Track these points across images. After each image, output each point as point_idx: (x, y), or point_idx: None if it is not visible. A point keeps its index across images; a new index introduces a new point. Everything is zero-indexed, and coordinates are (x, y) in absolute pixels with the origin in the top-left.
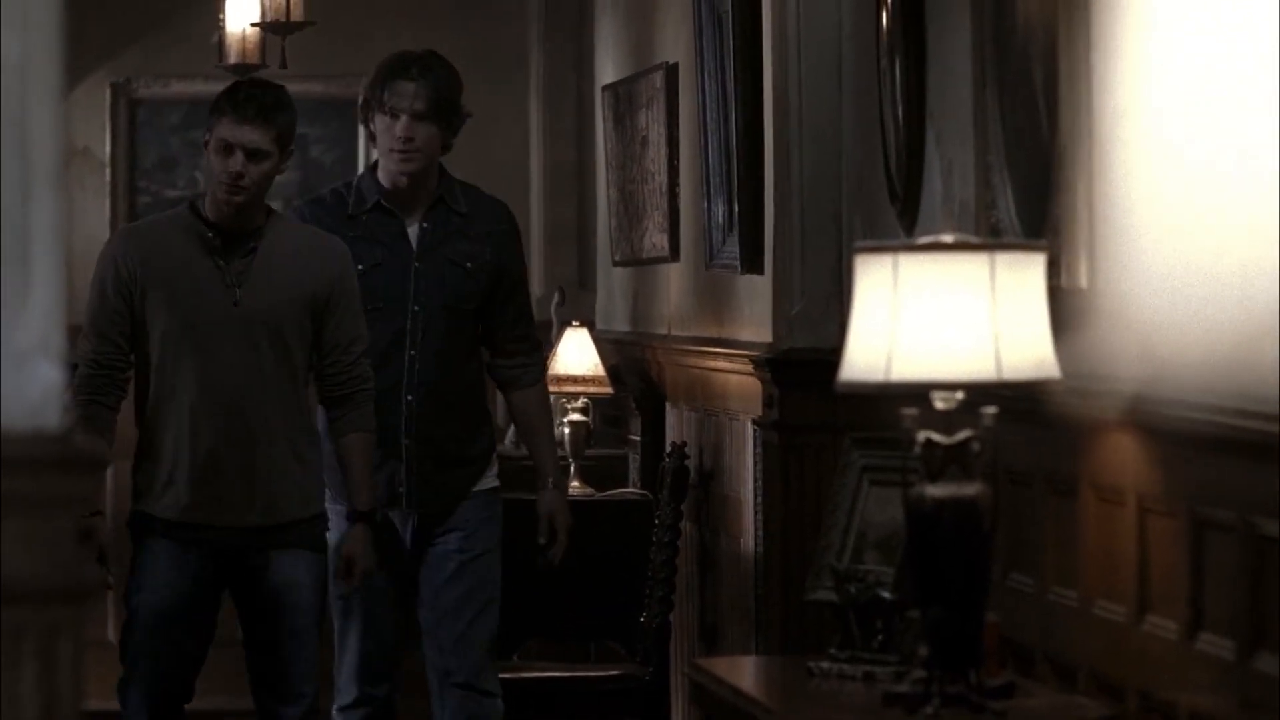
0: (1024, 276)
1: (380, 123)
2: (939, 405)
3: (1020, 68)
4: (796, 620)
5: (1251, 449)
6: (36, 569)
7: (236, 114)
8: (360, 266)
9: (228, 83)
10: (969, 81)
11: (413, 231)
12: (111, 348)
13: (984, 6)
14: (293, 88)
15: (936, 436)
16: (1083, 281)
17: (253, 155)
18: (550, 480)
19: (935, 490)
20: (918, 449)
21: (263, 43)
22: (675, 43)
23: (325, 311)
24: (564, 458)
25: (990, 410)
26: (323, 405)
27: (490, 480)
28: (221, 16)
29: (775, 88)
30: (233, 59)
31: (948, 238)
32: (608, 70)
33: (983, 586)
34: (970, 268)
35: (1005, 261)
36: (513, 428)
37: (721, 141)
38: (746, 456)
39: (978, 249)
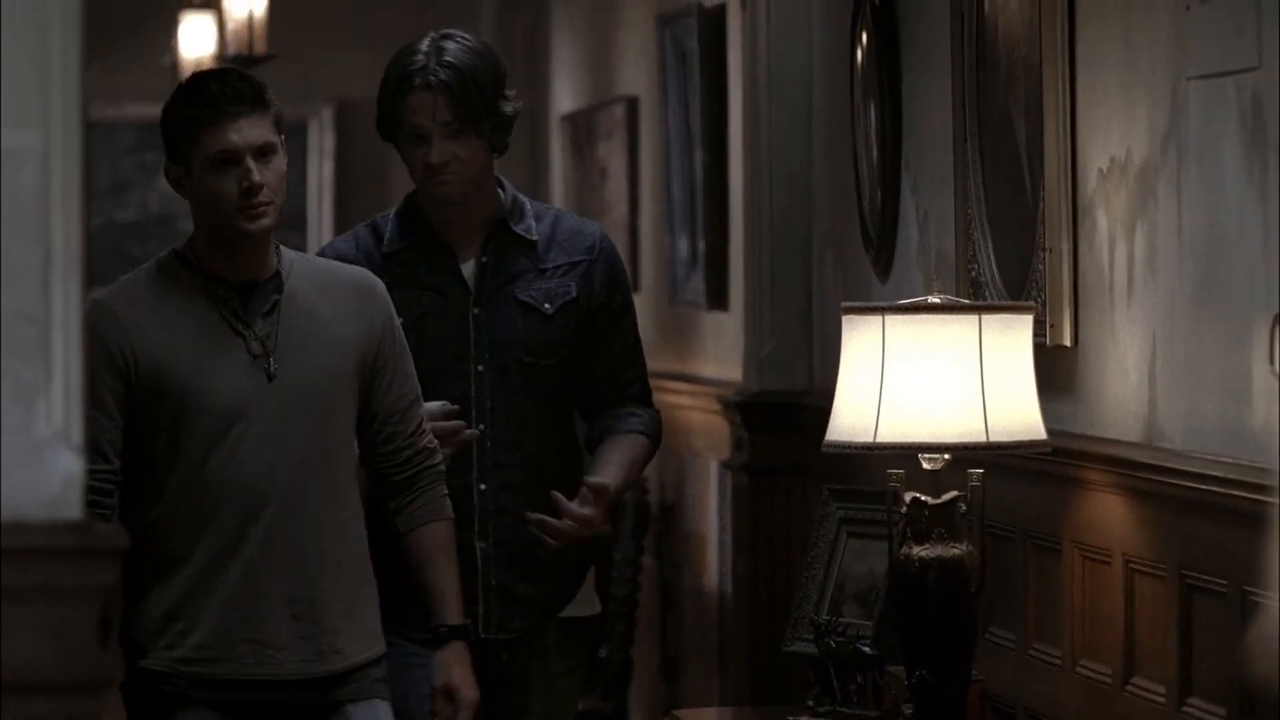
0: (1011, 338)
1: (405, 144)
2: (926, 466)
3: (1002, 122)
4: (766, 668)
5: (1242, 516)
6: (57, 660)
7: (224, 110)
8: (402, 319)
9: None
10: (948, 131)
11: (468, 269)
12: (98, 463)
13: (963, 57)
14: None
15: (923, 497)
16: (1066, 340)
17: (262, 154)
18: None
19: (921, 551)
20: (904, 509)
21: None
22: (636, 76)
23: (376, 370)
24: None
25: (977, 472)
26: (380, 495)
27: (588, 602)
28: (174, 42)
29: (746, 127)
30: None
31: (935, 299)
32: (564, 99)
33: (968, 647)
34: (958, 329)
35: (993, 323)
36: None
37: (686, 178)
38: (710, 492)
39: (965, 310)
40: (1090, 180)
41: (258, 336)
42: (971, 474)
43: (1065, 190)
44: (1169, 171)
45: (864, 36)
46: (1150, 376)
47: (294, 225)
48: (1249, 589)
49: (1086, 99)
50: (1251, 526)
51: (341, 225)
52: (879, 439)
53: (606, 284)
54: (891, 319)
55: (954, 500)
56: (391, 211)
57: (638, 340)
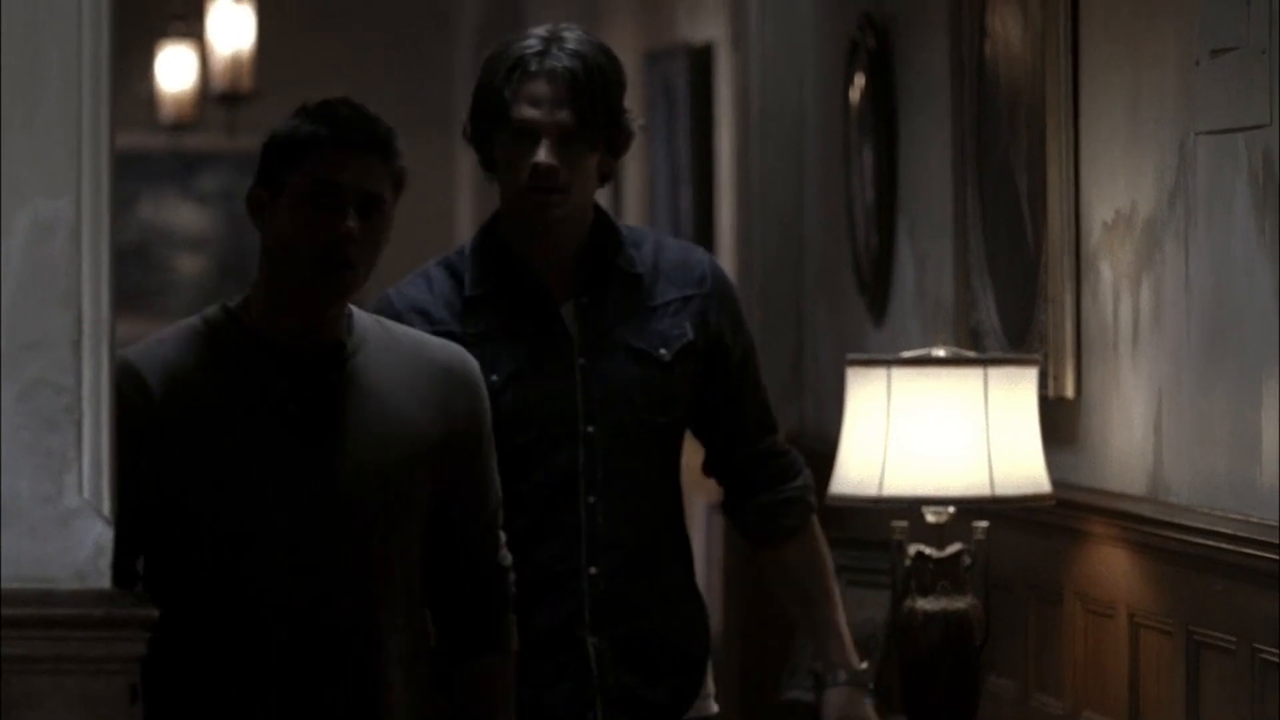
0: (1016, 392)
1: (501, 146)
2: (930, 519)
3: (1002, 169)
4: (759, 715)
5: (1252, 574)
6: None
7: (342, 137)
8: (494, 378)
9: (160, 137)
10: (946, 175)
11: (567, 312)
12: (122, 547)
13: (963, 101)
14: (215, 143)
15: (927, 550)
16: (1069, 391)
17: (366, 207)
18: (839, 673)
19: (925, 604)
20: (908, 561)
21: (201, 103)
22: None
23: (451, 467)
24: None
25: (982, 525)
26: (434, 614)
27: (708, 700)
28: (152, 72)
29: (737, 166)
30: (167, 117)
31: (940, 351)
32: None
33: (972, 701)
34: (963, 383)
35: (998, 376)
36: None
37: (672, 214)
38: (698, 536)
39: (971, 364)
40: (1094, 232)
41: (312, 420)
42: (976, 527)
43: (1068, 241)
44: (1176, 226)
45: (859, 77)
46: (1156, 430)
47: None
48: (1259, 646)
49: (1091, 150)
50: (1262, 584)
51: None
52: (884, 492)
53: (726, 323)
54: (897, 372)
55: (958, 554)
56: (466, 248)
57: (763, 384)
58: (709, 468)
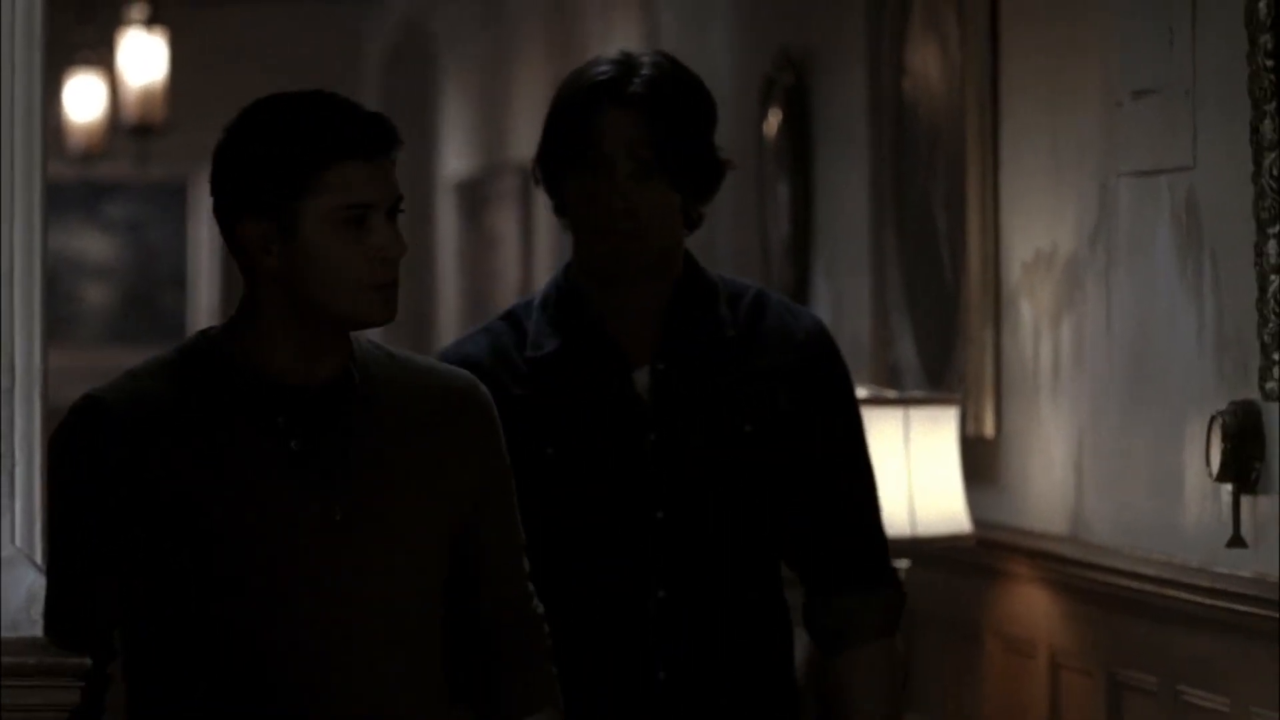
0: (937, 431)
1: (575, 186)
2: None
3: (921, 207)
4: None
5: (1175, 615)
6: None
7: (364, 144)
8: (548, 450)
9: (66, 167)
10: (863, 212)
11: (641, 379)
12: (84, 637)
13: (881, 138)
14: (123, 172)
15: None
16: (989, 430)
17: (393, 214)
18: None
19: None
20: None
21: (110, 133)
22: (531, 142)
23: (470, 501)
24: None
25: (902, 564)
26: (471, 685)
27: None
28: (59, 103)
29: None
30: (76, 147)
31: (861, 391)
32: (453, 163)
33: None
34: (884, 423)
35: (919, 417)
36: None
37: None
38: None
39: (892, 404)
40: (1014, 271)
41: (320, 466)
42: (897, 566)
43: (988, 280)
44: (1097, 266)
45: (775, 113)
46: (1077, 470)
47: (175, 285)
48: (1181, 688)
49: (1011, 189)
50: (1185, 624)
51: (227, 287)
52: None
53: (824, 396)
54: None
55: None
56: (536, 298)
57: (872, 480)
58: (795, 565)
